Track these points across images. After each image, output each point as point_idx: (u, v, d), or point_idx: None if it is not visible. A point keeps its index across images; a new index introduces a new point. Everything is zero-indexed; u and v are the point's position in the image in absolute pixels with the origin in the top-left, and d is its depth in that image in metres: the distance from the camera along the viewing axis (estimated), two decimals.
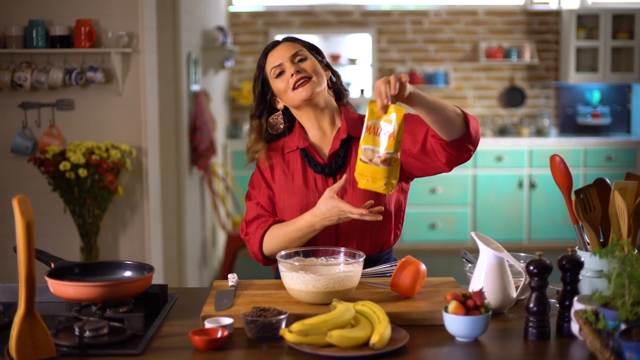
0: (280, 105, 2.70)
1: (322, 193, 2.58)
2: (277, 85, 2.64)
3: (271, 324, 2.03)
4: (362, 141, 2.32)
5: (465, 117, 2.44)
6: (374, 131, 2.30)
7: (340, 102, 2.76)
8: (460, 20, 8.70)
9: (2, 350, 1.91)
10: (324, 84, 2.65)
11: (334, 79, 2.75)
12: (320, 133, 2.70)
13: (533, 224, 8.14)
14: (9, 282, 2.47)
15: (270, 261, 2.68)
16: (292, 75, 2.59)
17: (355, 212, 2.43)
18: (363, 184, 2.32)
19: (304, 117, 2.69)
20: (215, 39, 7.02)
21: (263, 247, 2.64)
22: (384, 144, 2.29)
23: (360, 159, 2.32)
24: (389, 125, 2.28)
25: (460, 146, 2.49)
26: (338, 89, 2.77)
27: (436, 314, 2.16)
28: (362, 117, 2.71)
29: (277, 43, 2.70)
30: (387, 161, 2.28)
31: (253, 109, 2.73)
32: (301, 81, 2.59)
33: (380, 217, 2.43)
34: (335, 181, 2.62)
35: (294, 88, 2.59)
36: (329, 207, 2.47)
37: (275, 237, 2.59)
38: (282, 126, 2.72)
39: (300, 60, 2.63)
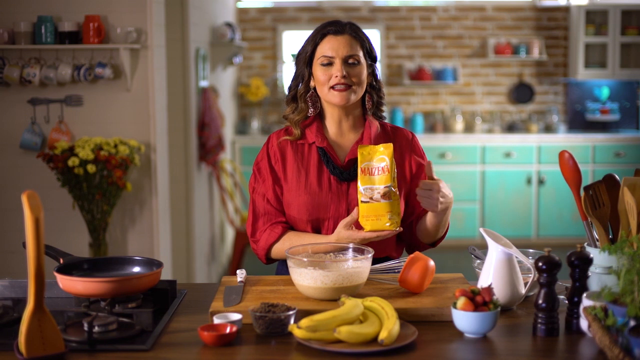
0: (312, 84, 2.68)
1: (335, 194, 2.61)
2: (318, 73, 2.61)
3: (280, 319, 2.03)
4: (359, 184, 2.47)
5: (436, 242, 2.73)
6: (369, 172, 2.46)
7: (373, 110, 2.72)
8: (469, 16, 8.69)
9: (12, 346, 1.92)
10: (361, 94, 2.64)
11: (375, 85, 2.70)
12: (339, 132, 2.70)
13: (542, 220, 8.13)
14: (18, 278, 2.47)
15: (273, 261, 2.70)
16: (336, 76, 2.57)
17: (368, 236, 2.46)
18: (369, 225, 2.45)
19: (328, 112, 2.69)
20: (223, 35, 7.02)
21: (272, 254, 2.66)
22: (380, 180, 2.44)
23: (362, 201, 2.46)
24: (381, 162, 2.45)
25: (416, 242, 2.73)
26: (374, 97, 2.71)
27: (445, 310, 2.16)
28: (383, 125, 2.73)
29: (339, 30, 2.62)
30: (387, 195, 2.43)
31: (302, 88, 2.67)
32: (341, 86, 2.58)
33: (397, 230, 2.48)
34: (349, 187, 2.62)
35: (332, 87, 2.59)
36: (342, 237, 2.49)
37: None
38: (318, 105, 2.69)
39: (352, 64, 2.59)
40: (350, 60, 2.59)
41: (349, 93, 2.59)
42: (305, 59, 2.66)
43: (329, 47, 2.60)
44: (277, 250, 2.63)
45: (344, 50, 2.59)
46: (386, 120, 2.80)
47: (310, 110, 2.69)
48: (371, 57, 2.67)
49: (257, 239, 2.67)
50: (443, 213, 2.54)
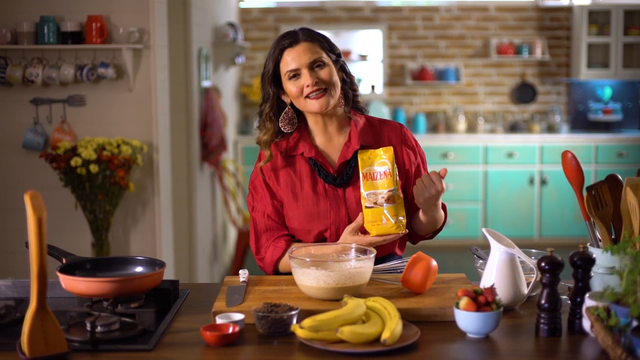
0: (288, 100, 2.65)
1: (332, 201, 2.60)
2: (290, 87, 2.58)
3: (282, 319, 2.03)
4: (362, 190, 2.48)
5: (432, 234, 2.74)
6: (371, 177, 2.49)
7: (350, 106, 2.69)
8: (471, 16, 8.68)
9: (14, 345, 1.92)
10: (337, 95, 2.61)
11: (346, 79, 2.68)
12: (327, 138, 2.67)
13: (544, 220, 8.12)
14: (21, 278, 2.47)
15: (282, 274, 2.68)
16: (308, 85, 2.55)
17: (375, 240, 2.48)
18: (375, 229, 2.48)
19: (312, 120, 2.67)
20: (226, 35, 7.03)
21: (279, 269, 2.65)
22: (383, 185, 2.47)
23: (366, 206, 2.47)
24: (383, 167, 2.48)
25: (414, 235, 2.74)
26: (348, 92, 2.68)
27: (447, 310, 2.16)
28: (370, 120, 2.71)
29: (294, 40, 2.58)
30: (391, 199, 2.46)
31: (267, 108, 2.64)
32: (317, 93, 2.56)
33: (403, 232, 2.51)
34: (345, 191, 2.61)
35: (307, 97, 2.57)
36: (349, 242, 2.49)
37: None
38: (295, 121, 2.67)
39: (319, 67, 2.57)
40: (316, 65, 2.57)
41: (327, 98, 2.56)
42: (268, 78, 2.63)
43: (290, 59, 2.57)
44: (284, 264, 2.62)
45: (306, 57, 2.56)
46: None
47: (284, 127, 2.65)
48: (334, 53, 2.64)
49: (262, 256, 2.66)
50: (433, 207, 2.54)
